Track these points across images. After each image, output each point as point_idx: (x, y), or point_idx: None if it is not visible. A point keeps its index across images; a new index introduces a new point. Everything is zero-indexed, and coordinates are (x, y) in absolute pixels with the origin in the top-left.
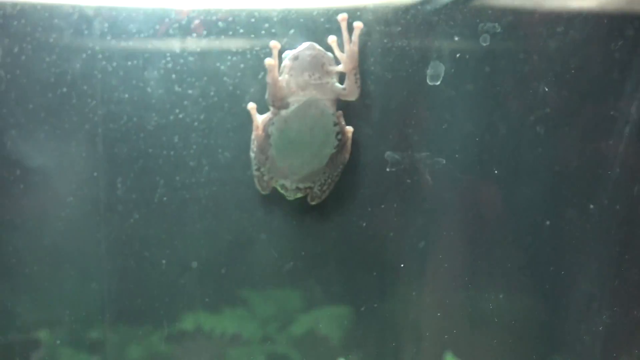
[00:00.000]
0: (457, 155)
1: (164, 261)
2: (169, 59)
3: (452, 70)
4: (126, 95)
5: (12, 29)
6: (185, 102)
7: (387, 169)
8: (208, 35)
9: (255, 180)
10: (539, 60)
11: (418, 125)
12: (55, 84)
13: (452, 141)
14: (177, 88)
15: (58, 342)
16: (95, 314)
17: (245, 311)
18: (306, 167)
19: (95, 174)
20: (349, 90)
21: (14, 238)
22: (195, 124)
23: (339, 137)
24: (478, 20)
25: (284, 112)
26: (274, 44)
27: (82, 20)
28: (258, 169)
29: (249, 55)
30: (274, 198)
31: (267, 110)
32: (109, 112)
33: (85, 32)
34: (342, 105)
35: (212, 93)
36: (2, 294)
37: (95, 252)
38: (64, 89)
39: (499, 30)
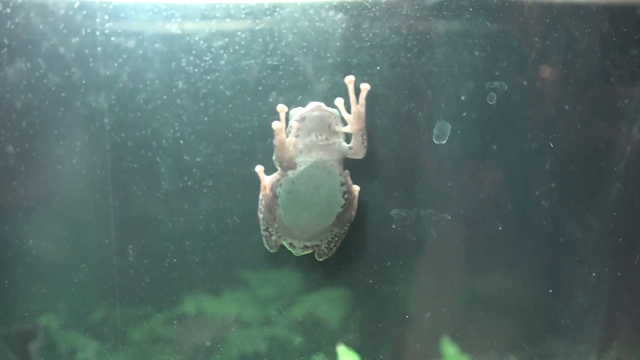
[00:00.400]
0: (461, 211)
1: (165, 244)
2: (176, 127)
3: (458, 129)
4: (135, 166)
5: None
6: (194, 169)
7: (393, 226)
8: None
9: (264, 239)
10: (546, 118)
11: (424, 182)
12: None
13: (457, 198)
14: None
15: (60, 325)
16: (97, 297)
17: (246, 293)
18: (313, 226)
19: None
20: (356, 150)
21: (15, 223)
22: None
23: (346, 196)
24: (485, 79)
25: (291, 174)
26: (281, 108)
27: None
28: (266, 229)
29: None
30: None
31: (275, 169)
32: (119, 181)
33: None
34: (348, 162)
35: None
36: (5, 279)
37: (97, 237)
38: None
39: (505, 88)
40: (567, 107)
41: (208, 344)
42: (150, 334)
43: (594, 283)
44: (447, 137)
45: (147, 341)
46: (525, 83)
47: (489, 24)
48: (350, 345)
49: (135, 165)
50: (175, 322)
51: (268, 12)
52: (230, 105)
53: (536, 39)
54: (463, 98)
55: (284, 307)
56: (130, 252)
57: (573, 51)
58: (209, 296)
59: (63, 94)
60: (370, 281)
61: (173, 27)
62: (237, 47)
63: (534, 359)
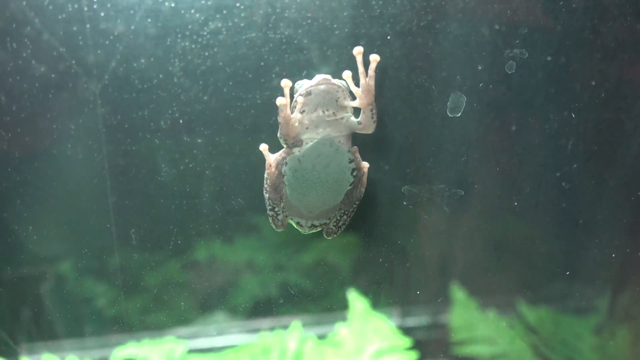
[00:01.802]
0: (476, 187)
1: (176, 192)
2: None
3: (474, 101)
4: (133, 148)
5: None
6: (195, 151)
7: (404, 203)
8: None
9: (270, 219)
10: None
11: (436, 158)
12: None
13: (471, 172)
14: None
15: (76, 271)
16: (112, 244)
17: (257, 239)
18: (321, 205)
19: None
20: (365, 125)
21: (32, 173)
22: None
23: (355, 173)
24: (504, 47)
25: (297, 151)
26: (285, 83)
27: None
28: (272, 209)
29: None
30: None
31: (281, 147)
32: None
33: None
34: (357, 137)
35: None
36: (23, 227)
37: (112, 185)
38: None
39: (526, 56)
40: (592, 81)
41: (221, 289)
42: (164, 280)
43: (605, 232)
44: (462, 110)
45: (162, 287)
46: (549, 43)
47: None
48: (360, 289)
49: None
50: (189, 268)
51: None
52: (230, 83)
53: (561, 3)
54: (480, 68)
55: (295, 252)
56: (143, 199)
57: (600, 18)
58: (221, 242)
59: (53, 76)
60: (381, 228)
61: (167, 1)
62: (236, 20)
63: (541, 302)
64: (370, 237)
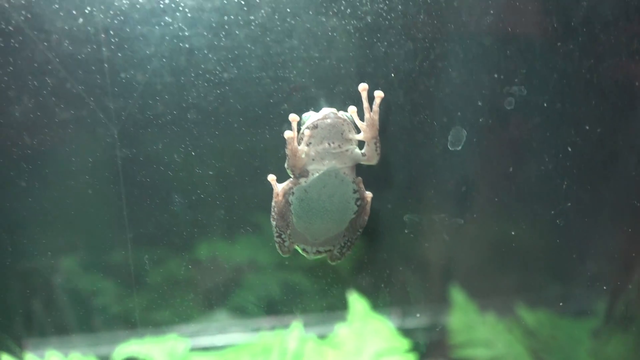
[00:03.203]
0: (474, 215)
1: (180, 191)
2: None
3: (474, 136)
4: (148, 179)
5: None
6: (207, 183)
7: (406, 231)
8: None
9: (277, 245)
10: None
11: (437, 188)
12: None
13: (470, 202)
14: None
15: (81, 266)
16: (116, 241)
17: (259, 238)
18: (326, 233)
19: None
20: (369, 157)
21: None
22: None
23: (359, 203)
24: (503, 84)
25: (303, 182)
26: (293, 117)
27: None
28: (279, 236)
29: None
30: None
31: (288, 177)
32: (131, 192)
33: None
34: (361, 168)
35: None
36: (29, 221)
37: (117, 183)
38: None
39: (525, 93)
40: (588, 114)
41: (222, 287)
42: (168, 277)
43: (603, 236)
44: (462, 144)
45: (165, 284)
46: (545, 87)
47: (508, 28)
48: (360, 290)
49: None
50: (192, 265)
51: (279, 24)
52: (241, 119)
53: (559, 44)
54: (480, 104)
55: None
56: (148, 198)
57: (596, 59)
58: (223, 240)
59: (72, 112)
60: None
61: (181, 42)
62: (247, 60)
63: (540, 305)
64: (371, 239)
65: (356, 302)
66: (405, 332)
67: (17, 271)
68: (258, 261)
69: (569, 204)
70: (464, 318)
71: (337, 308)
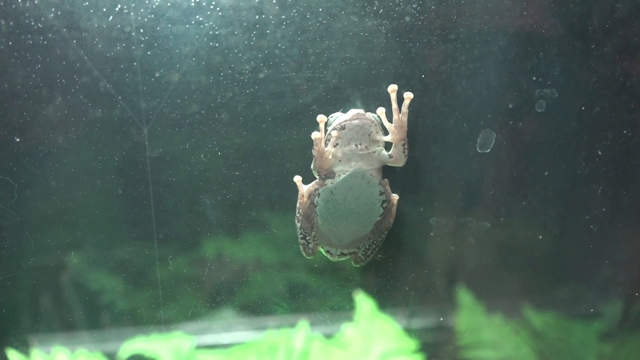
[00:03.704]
0: (502, 219)
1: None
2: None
3: (504, 138)
4: (174, 179)
5: None
6: (233, 183)
7: (432, 234)
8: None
9: (301, 247)
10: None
11: (465, 191)
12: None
13: (497, 205)
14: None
15: (86, 263)
16: (121, 238)
17: (265, 237)
18: (351, 235)
19: None
20: (396, 159)
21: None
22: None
23: (385, 205)
24: (535, 86)
25: (329, 183)
26: (321, 118)
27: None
28: (303, 237)
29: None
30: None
31: (314, 178)
32: (158, 192)
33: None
34: (387, 170)
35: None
36: (34, 218)
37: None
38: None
39: (556, 96)
40: (623, 118)
41: (228, 285)
42: (173, 275)
43: (618, 239)
44: (491, 147)
45: (171, 282)
46: (579, 90)
47: (542, 30)
48: (366, 290)
49: None
50: (197, 264)
51: (309, 23)
52: (269, 119)
53: (593, 46)
54: (510, 106)
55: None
56: (153, 195)
57: (631, 60)
58: (229, 238)
59: (100, 111)
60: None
61: (213, 41)
62: (277, 60)
63: (548, 307)
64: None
65: (363, 302)
66: (412, 332)
67: (22, 268)
68: (264, 260)
69: (604, 210)
70: (471, 319)
71: (343, 308)
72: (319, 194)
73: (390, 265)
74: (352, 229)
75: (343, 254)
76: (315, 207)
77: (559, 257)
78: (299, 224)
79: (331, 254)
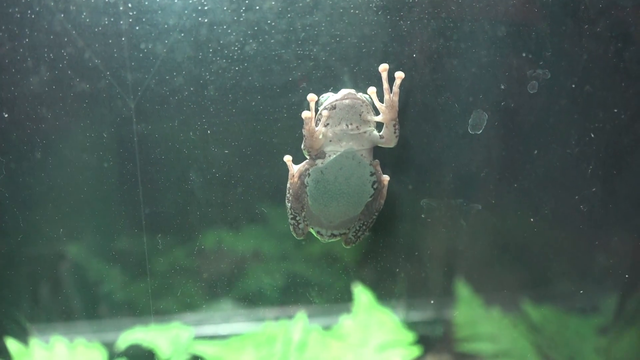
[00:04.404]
0: (493, 201)
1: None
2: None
3: (495, 119)
4: (163, 157)
5: None
6: (222, 162)
7: (422, 216)
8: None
9: (291, 227)
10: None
11: (456, 172)
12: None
13: (489, 187)
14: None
15: (86, 255)
16: (129, 220)
17: (264, 229)
18: (341, 215)
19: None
20: (387, 139)
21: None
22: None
23: (375, 186)
24: (527, 67)
25: (320, 163)
26: (311, 97)
27: None
28: (294, 217)
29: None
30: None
31: (304, 159)
32: (146, 170)
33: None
34: (378, 151)
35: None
36: (34, 210)
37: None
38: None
39: (548, 77)
40: (615, 98)
41: (227, 277)
42: (173, 266)
43: (616, 233)
44: (483, 128)
45: (169, 273)
46: (571, 71)
47: (534, 9)
48: (365, 282)
49: None
50: (196, 255)
51: None
52: (258, 97)
53: (586, 26)
54: (502, 87)
55: (301, 243)
56: (153, 186)
57: (624, 40)
58: (228, 231)
59: (87, 86)
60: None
61: (201, 15)
62: (266, 37)
63: (546, 301)
64: (376, 231)
65: (361, 294)
66: (410, 325)
67: (21, 258)
68: (263, 252)
69: (594, 190)
70: (469, 312)
71: (341, 300)
72: (309, 174)
73: (384, 255)
74: (342, 210)
75: (333, 235)
76: (306, 187)
77: (550, 243)
78: (289, 204)
79: (321, 235)
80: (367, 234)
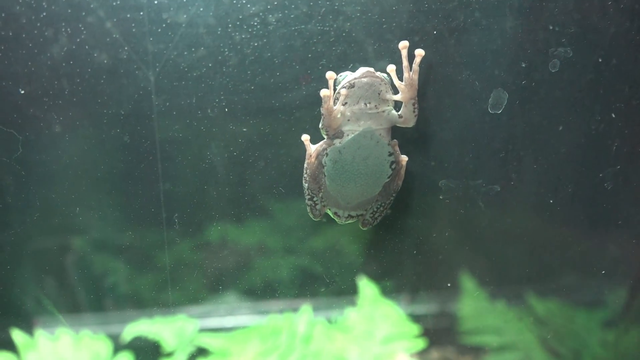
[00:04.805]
0: (512, 182)
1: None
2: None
3: (516, 98)
4: (180, 135)
5: None
6: (240, 140)
7: (441, 197)
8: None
9: (308, 208)
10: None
11: (475, 153)
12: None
13: (507, 168)
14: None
15: (92, 247)
16: (124, 222)
17: (269, 223)
18: (359, 196)
19: None
20: (406, 118)
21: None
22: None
23: (394, 166)
24: (549, 45)
25: (337, 143)
26: (330, 75)
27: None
28: (311, 198)
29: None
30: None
31: (322, 138)
32: (164, 148)
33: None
34: (397, 131)
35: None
36: (38, 204)
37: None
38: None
39: (570, 55)
40: (636, 70)
41: (232, 270)
42: (176, 259)
43: (626, 228)
44: (503, 107)
45: (175, 266)
46: (595, 47)
47: None
48: (369, 276)
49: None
50: (201, 248)
51: None
52: (278, 74)
53: (609, 2)
54: (523, 65)
55: (306, 237)
56: (157, 180)
57: None
58: (233, 224)
59: (105, 62)
60: (393, 217)
61: None
62: (286, 12)
63: (551, 294)
64: (381, 224)
65: (366, 287)
66: (415, 318)
67: (27, 249)
68: (268, 245)
69: (619, 167)
70: (474, 305)
71: (346, 293)
72: (327, 154)
73: (393, 250)
74: (360, 190)
75: (350, 216)
76: (323, 167)
77: (562, 232)
78: (306, 185)
79: (339, 216)
80: (387, 212)
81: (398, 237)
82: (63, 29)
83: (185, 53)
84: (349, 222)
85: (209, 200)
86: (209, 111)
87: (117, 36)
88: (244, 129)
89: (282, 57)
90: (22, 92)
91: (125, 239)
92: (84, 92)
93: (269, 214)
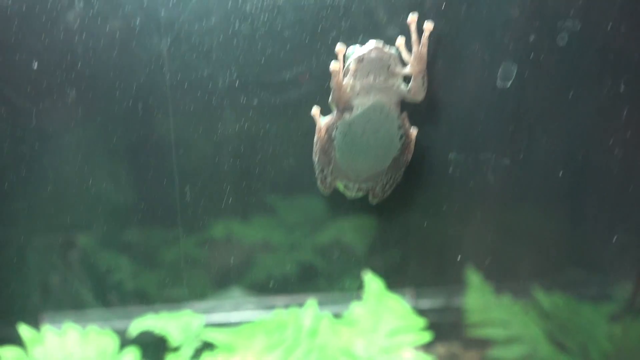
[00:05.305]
0: (521, 156)
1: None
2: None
3: (525, 72)
4: (191, 108)
5: None
6: (250, 114)
7: (450, 171)
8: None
9: (318, 181)
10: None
11: (484, 126)
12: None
13: (517, 142)
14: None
15: (97, 243)
16: (129, 218)
17: (273, 219)
18: (369, 169)
19: None
20: (415, 92)
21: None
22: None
23: (403, 139)
24: (557, 17)
25: (347, 116)
26: (339, 48)
27: None
28: (321, 171)
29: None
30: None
31: (331, 112)
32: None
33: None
34: (406, 104)
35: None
36: (44, 199)
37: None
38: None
39: (579, 28)
40: None
41: (237, 266)
42: (181, 255)
43: (631, 220)
44: (512, 80)
45: (180, 262)
46: (604, 21)
47: None
48: (375, 270)
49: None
50: (206, 244)
51: None
52: (288, 46)
53: None
54: (532, 38)
55: (311, 233)
56: (160, 176)
57: None
58: (238, 221)
59: (118, 34)
60: (400, 211)
61: None
62: None
63: (557, 288)
64: (385, 218)
65: (371, 281)
66: (420, 312)
67: (34, 244)
68: (272, 241)
69: (628, 135)
70: (480, 299)
71: (351, 288)
72: (337, 127)
73: (398, 245)
74: (370, 164)
75: (360, 189)
76: (333, 140)
77: (569, 237)
78: (316, 158)
79: (349, 189)
80: (398, 181)
81: (403, 232)
82: (76, 1)
83: (196, 26)
84: (359, 194)
85: (221, 169)
86: (220, 84)
87: (129, 7)
88: (255, 102)
89: (292, 30)
90: (35, 67)
91: (131, 235)
92: (96, 64)
93: (273, 211)
